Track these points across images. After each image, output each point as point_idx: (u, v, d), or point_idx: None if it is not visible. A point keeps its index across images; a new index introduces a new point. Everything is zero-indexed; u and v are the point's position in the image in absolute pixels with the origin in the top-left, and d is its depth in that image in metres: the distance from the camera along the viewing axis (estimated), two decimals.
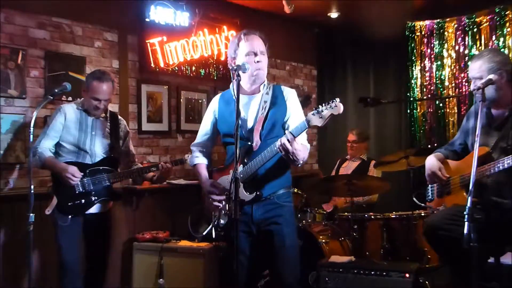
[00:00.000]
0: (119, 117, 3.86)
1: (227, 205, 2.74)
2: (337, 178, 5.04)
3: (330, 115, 2.68)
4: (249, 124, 2.99)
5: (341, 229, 4.74)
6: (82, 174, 3.51)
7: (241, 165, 2.93)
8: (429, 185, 3.46)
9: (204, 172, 3.13)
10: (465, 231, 2.42)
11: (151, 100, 5.21)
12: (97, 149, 3.63)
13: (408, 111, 6.78)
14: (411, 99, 6.71)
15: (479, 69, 3.07)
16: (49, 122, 3.50)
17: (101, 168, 3.61)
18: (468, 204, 2.48)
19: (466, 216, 2.44)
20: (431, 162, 3.33)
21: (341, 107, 2.69)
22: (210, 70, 5.70)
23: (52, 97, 3.31)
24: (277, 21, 6.33)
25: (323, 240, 4.41)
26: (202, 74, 5.63)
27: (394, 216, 4.72)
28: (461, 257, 2.62)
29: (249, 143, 2.95)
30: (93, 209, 3.61)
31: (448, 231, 3.01)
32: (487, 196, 3.03)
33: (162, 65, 5.17)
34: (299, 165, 2.92)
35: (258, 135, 2.94)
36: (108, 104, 3.67)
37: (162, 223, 4.94)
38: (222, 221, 2.65)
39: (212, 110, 3.15)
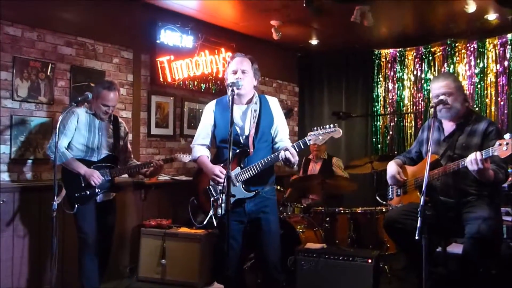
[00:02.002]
0: (120, 120, 3.83)
1: (221, 198, 2.72)
2: (312, 178, 5.04)
3: (330, 137, 2.76)
4: (246, 132, 2.98)
5: (315, 220, 4.75)
6: (100, 173, 3.50)
7: (238, 167, 2.93)
8: (390, 186, 3.48)
9: (208, 161, 3.05)
10: (418, 224, 2.44)
11: (159, 109, 5.18)
12: (102, 147, 3.60)
13: (373, 123, 6.82)
14: (376, 114, 6.76)
15: (449, 86, 3.05)
16: (64, 123, 3.45)
17: (103, 164, 3.58)
18: (421, 202, 2.50)
19: (419, 212, 2.46)
20: (391, 166, 3.35)
21: (340, 132, 2.74)
22: (210, 85, 5.69)
23: (75, 104, 3.28)
24: (267, 45, 6.33)
25: (300, 230, 4.42)
26: (203, 88, 5.62)
27: (360, 211, 4.75)
28: (414, 246, 2.62)
29: (246, 148, 2.94)
30: (97, 199, 3.58)
31: (403, 224, 3.04)
32: (436, 196, 3.07)
33: (169, 79, 5.15)
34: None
35: (252, 141, 2.94)
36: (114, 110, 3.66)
37: (166, 212, 4.92)
38: (219, 211, 2.64)
39: (211, 116, 3.08)
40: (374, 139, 6.79)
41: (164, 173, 5.00)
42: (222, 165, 2.92)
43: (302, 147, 2.78)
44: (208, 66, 5.48)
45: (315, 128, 2.76)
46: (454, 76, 3.26)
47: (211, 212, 2.92)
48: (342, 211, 4.76)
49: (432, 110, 2.97)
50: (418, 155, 3.41)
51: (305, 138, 2.77)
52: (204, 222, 2.96)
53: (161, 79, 5.09)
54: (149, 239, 4.49)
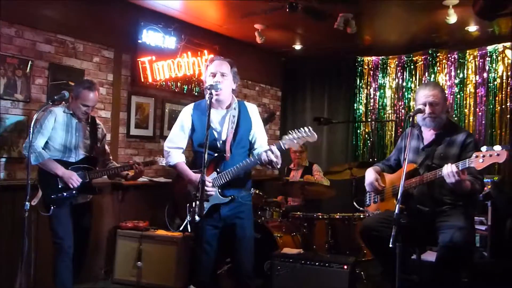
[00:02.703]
0: (97, 121, 3.77)
1: (195, 204, 2.71)
2: (293, 183, 5.05)
3: (305, 141, 2.75)
4: (223, 137, 2.95)
5: (293, 225, 4.74)
6: (80, 180, 3.44)
7: (215, 172, 2.91)
8: (367, 193, 3.49)
9: (187, 168, 3.00)
10: (392, 232, 2.45)
11: (140, 110, 5.14)
12: (80, 149, 3.54)
13: (354, 130, 6.87)
14: (357, 120, 6.81)
15: (437, 96, 3.05)
16: (41, 122, 3.38)
17: (81, 166, 3.52)
18: (396, 211, 2.51)
19: (394, 220, 2.47)
20: (370, 174, 3.37)
21: (315, 136, 2.72)
22: (192, 86, 5.68)
23: (51, 103, 3.21)
24: (251, 49, 6.33)
25: (278, 235, 4.42)
26: (185, 90, 5.60)
27: (338, 216, 4.76)
28: (389, 254, 2.63)
29: (223, 153, 2.93)
30: (74, 201, 3.52)
31: (379, 232, 3.05)
32: (412, 204, 3.08)
33: (150, 80, 5.11)
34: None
35: (229, 146, 2.92)
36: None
37: (143, 214, 4.86)
38: (197, 218, 2.62)
39: (188, 119, 3.05)
40: (354, 146, 6.83)
41: (143, 175, 4.94)
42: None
43: (278, 152, 2.77)
44: (191, 68, 5.45)
45: (290, 132, 2.75)
46: (441, 86, 3.29)
47: (187, 218, 2.89)
48: (320, 217, 4.77)
49: (411, 118, 2.98)
50: (397, 163, 3.44)
51: (280, 142, 2.75)
52: (181, 228, 2.94)
53: (142, 80, 5.05)
54: (125, 241, 4.45)
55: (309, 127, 2.72)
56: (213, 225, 2.97)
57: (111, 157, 3.88)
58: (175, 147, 3.06)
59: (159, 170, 5.30)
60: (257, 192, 4.82)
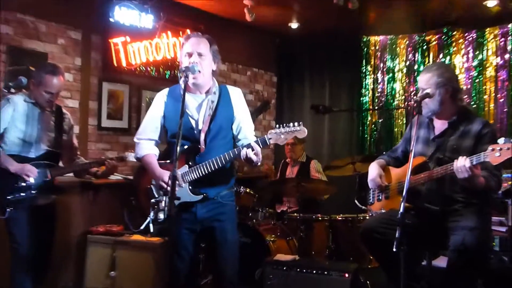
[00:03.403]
0: (64, 110, 3.73)
1: (163, 201, 2.69)
2: (287, 181, 5.04)
3: (294, 137, 2.74)
4: (200, 126, 2.92)
5: (289, 228, 4.74)
6: (37, 171, 3.38)
7: (186, 166, 2.88)
8: (371, 190, 3.48)
9: (155, 162, 2.99)
10: (397, 235, 2.44)
11: (112, 98, 5.12)
12: (42, 142, 3.49)
13: (360, 120, 6.86)
14: (363, 108, 6.78)
15: (427, 82, 3.09)
16: None
17: (43, 162, 3.46)
18: (401, 210, 2.49)
19: (398, 221, 2.46)
20: (373, 168, 3.35)
21: (305, 131, 2.71)
22: (175, 72, 5.63)
23: (7, 90, 3.18)
24: (241, 28, 6.29)
25: (271, 239, 4.41)
26: (168, 75, 5.57)
27: (340, 218, 4.75)
28: (393, 260, 2.62)
29: (197, 145, 2.90)
30: (34, 202, 3.46)
31: (382, 234, 3.03)
32: (420, 202, 3.07)
33: (124, 64, 5.08)
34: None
35: (203, 137, 2.89)
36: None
37: (117, 217, 4.79)
38: (161, 216, 2.60)
39: (161, 106, 3.03)
40: (359, 137, 6.82)
41: (116, 172, 4.92)
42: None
43: (261, 146, 2.74)
44: (171, 50, 5.41)
45: (277, 126, 2.73)
46: (445, 67, 3.26)
47: (150, 217, 2.86)
48: (319, 218, 4.77)
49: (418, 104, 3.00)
50: (404, 155, 3.41)
51: (265, 136, 2.74)
52: (142, 227, 2.92)
53: (115, 64, 5.03)
54: (97, 248, 4.41)
55: (300, 122, 2.71)
56: (189, 228, 2.94)
57: (79, 152, 3.85)
58: (145, 138, 3.04)
59: (135, 166, 5.25)
60: (247, 191, 4.81)
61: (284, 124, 2.72)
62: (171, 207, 2.39)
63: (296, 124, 2.70)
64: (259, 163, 2.80)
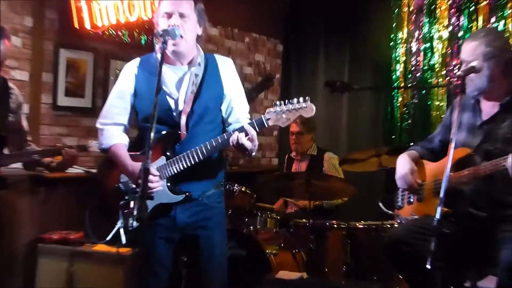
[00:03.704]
0: (10, 84, 3.74)
1: (133, 202, 2.67)
2: (294, 176, 5.01)
3: (298, 116, 2.71)
4: (181, 106, 2.92)
5: (296, 238, 4.74)
6: None
7: (163, 157, 2.87)
8: (400, 190, 3.48)
9: (125, 153, 2.98)
10: (431, 247, 2.43)
11: (72, 69, 5.13)
12: None
13: (388, 101, 6.79)
14: (392, 86, 6.74)
15: (473, 52, 3.08)
16: None
17: None
18: (437, 216, 2.48)
19: (433, 229, 2.46)
20: (403, 163, 3.35)
21: (312, 109, 2.69)
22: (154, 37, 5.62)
23: None
24: None
25: (272, 251, 4.41)
26: (144, 41, 5.56)
27: (360, 225, 4.75)
28: (426, 279, 2.61)
29: (177, 130, 2.89)
30: None
31: (413, 246, 3.02)
32: (462, 207, 3.05)
33: (88, 27, 5.06)
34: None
35: (185, 120, 2.89)
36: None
37: (77, 221, 4.78)
38: (134, 223, 2.57)
39: (130, 81, 3.02)
40: (388, 123, 6.77)
41: (76, 164, 4.91)
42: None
43: (257, 129, 2.71)
44: (148, 9, 5.39)
45: (277, 103, 2.72)
46: (492, 36, 3.23)
47: (119, 223, 2.85)
48: (335, 226, 4.76)
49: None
50: (443, 146, 3.40)
51: (262, 116, 2.72)
52: (109, 237, 2.90)
53: (76, 26, 5.01)
54: (50, 260, 4.43)
55: (306, 98, 2.69)
56: (166, 237, 2.95)
57: (29, 138, 3.87)
58: (111, 123, 3.03)
59: (99, 157, 5.24)
60: (243, 189, 4.82)
61: (287, 101, 2.70)
62: (142, 210, 2.35)
63: (301, 100, 2.68)
64: (254, 152, 2.78)
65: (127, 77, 3.03)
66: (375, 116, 6.87)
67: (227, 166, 6.23)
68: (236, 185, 4.76)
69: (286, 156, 5.80)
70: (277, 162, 7.39)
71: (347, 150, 6.50)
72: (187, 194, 2.89)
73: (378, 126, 6.84)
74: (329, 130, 6.79)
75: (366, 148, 5.32)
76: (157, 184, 2.80)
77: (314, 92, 7.03)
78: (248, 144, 2.68)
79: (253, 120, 2.74)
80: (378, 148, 4.92)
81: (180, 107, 2.91)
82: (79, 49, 5.17)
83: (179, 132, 2.89)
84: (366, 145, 6.42)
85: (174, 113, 2.91)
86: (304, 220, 4.83)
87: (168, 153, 2.87)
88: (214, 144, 2.77)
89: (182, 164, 2.82)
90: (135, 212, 2.33)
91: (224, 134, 2.79)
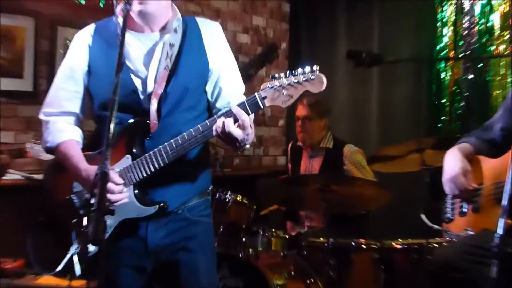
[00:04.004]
0: None
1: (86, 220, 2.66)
2: (306, 180, 5.02)
3: (305, 94, 2.70)
4: (150, 87, 2.93)
5: (310, 263, 4.76)
6: None
7: (128, 156, 2.88)
8: (449, 197, 3.50)
9: (79, 153, 2.97)
10: (492, 273, 2.43)
11: (6, 41, 5.17)
12: None
13: (432, 77, 6.83)
14: (438, 57, 6.77)
15: None
16: None
17: None
18: (499, 230, 2.48)
19: (493, 249, 2.46)
20: (452, 160, 3.37)
21: (322, 82, 2.65)
22: None
23: None
24: None
25: (279, 282, 4.44)
26: (103, 4, 5.63)
27: (397, 245, 4.77)
28: None
29: (145, 120, 2.90)
30: None
31: (467, 272, 3.04)
32: None
33: None
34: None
35: (156, 106, 2.89)
36: None
37: (14, 244, 4.82)
38: (91, 248, 2.57)
39: (83, 55, 3.03)
40: (432, 106, 6.81)
41: (10, 169, 4.95)
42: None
43: (250, 112, 2.71)
44: None
45: (276, 76, 2.70)
46: None
47: (72, 249, 2.87)
48: (363, 246, 4.80)
49: None
50: (505, 135, 3.43)
51: (256, 94, 2.71)
52: (59, 268, 2.90)
53: None
54: None
55: (314, 67, 2.65)
56: (133, 266, 2.97)
57: None
58: (58, 112, 3.06)
59: (46, 161, 5.29)
60: (238, 199, 4.86)
61: (288, 72, 2.68)
62: (100, 229, 2.34)
63: (306, 69, 2.65)
64: (247, 144, 2.79)
65: (79, 49, 3.04)
66: (416, 98, 6.91)
67: (218, 167, 6.28)
68: (229, 193, 4.79)
69: (290, 146, 5.83)
70: (285, 162, 7.40)
71: (377, 144, 6.58)
72: (161, 205, 2.89)
73: (420, 111, 6.87)
74: (353, 117, 6.84)
75: (404, 141, 5.34)
76: (121, 195, 2.78)
77: (332, 66, 7.15)
78: (237, 132, 2.66)
79: (244, 100, 2.71)
80: (420, 141, 4.93)
81: (150, 89, 2.92)
82: (14, 13, 5.20)
83: (149, 122, 2.89)
84: (403, 137, 6.42)
85: (142, 97, 2.92)
86: (321, 239, 4.85)
87: (134, 151, 2.88)
88: (193, 134, 2.77)
89: (154, 165, 2.83)
90: (90, 231, 2.32)
91: (207, 121, 2.77)
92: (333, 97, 6.85)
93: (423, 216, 4.51)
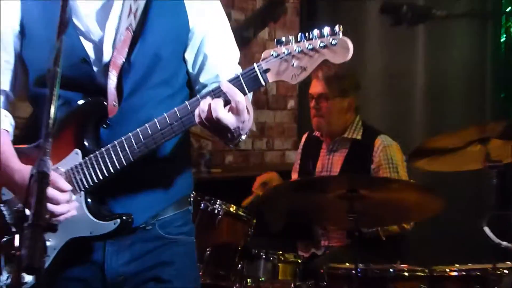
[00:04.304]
0: None
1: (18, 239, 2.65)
2: (324, 183, 5.01)
3: (322, 65, 2.66)
4: (107, 55, 2.92)
5: None
6: None
7: (77, 151, 2.86)
8: None
9: (9, 147, 2.97)
10: None
11: None
12: None
13: (499, 37, 6.82)
14: (507, 11, 6.74)
15: None
16: None
17: None
18: None
19: None
20: None
21: (348, 48, 2.59)
22: None
23: None
24: None
25: None
26: None
27: (453, 272, 4.76)
28: None
29: (101, 99, 2.88)
30: None
31: None
32: None
33: None
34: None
35: (116, 81, 2.87)
36: None
37: None
38: (27, 278, 2.56)
39: (13, 13, 3.00)
40: (499, 79, 6.81)
41: None
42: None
43: (247, 91, 2.67)
44: None
45: (282, 40, 2.64)
46: None
47: (1, 278, 2.88)
48: (406, 274, 4.79)
49: None
50: None
51: (255, 65, 2.66)
52: None
53: None
54: None
55: (336, 27, 2.59)
56: None
57: None
58: None
59: None
60: (232, 210, 4.88)
61: (301, 35, 2.63)
62: (35, 252, 2.32)
63: (325, 31, 2.60)
64: (243, 136, 2.78)
65: (6, 3, 3.01)
66: (477, 68, 6.92)
67: (203, 166, 6.27)
68: (219, 202, 4.77)
69: (306, 136, 5.85)
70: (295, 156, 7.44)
71: (423, 133, 6.61)
72: (123, 219, 2.87)
73: (483, 87, 6.87)
74: (390, 96, 6.84)
75: (460, 128, 5.32)
76: (67, 206, 2.77)
77: (359, 24, 7.17)
78: (229, 119, 2.62)
79: (238, 74, 2.68)
80: (483, 128, 4.90)
81: (107, 57, 2.92)
82: None
83: (106, 103, 2.87)
84: (459, 121, 6.50)
85: (96, 68, 2.92)
86: (347, 264, 4.83)
87: (86, 144, 2.87)
88: (168, 122, 2.74)
89: (114, 164, 2.81)
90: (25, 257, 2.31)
91: (187, 102, 2.74)
92: (362, 68, 6.83)
93: (487, 229, 4.50)
